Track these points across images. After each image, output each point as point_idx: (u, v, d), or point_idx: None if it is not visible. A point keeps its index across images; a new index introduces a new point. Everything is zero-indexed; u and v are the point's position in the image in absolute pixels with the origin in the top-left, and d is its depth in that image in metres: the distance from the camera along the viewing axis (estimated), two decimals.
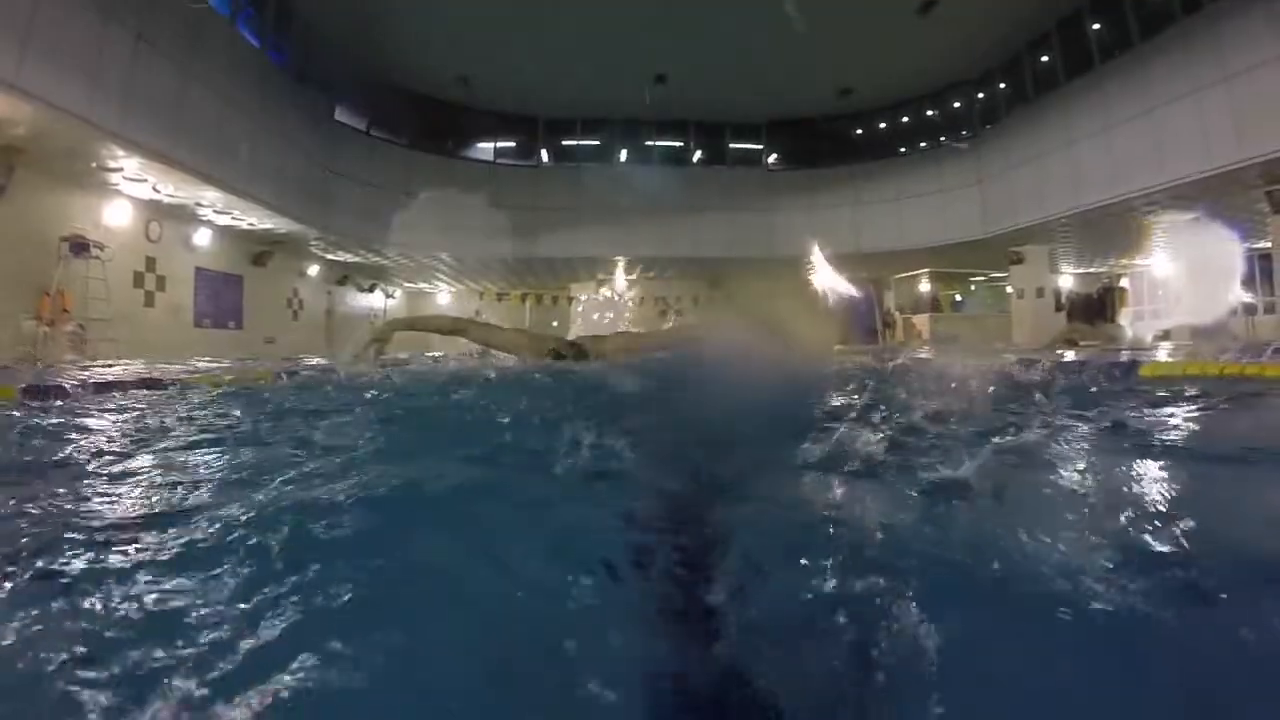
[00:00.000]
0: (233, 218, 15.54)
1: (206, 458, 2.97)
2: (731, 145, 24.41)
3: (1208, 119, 13.05)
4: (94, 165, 11.87)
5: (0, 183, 11.05)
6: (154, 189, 13.21)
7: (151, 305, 14.56)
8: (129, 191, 13.29)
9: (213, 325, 16.37)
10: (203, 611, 1.34)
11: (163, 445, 3.32)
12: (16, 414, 4.33)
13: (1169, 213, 16.05)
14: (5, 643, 1.24)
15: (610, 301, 25.74)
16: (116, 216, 13.51)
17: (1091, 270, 24.77)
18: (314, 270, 21.29)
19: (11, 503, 2.10)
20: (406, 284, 26.65)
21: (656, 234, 22.18)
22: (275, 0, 15.82)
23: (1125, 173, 14.90)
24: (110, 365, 9.57)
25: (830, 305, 26.32)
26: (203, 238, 15.99)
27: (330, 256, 20.61)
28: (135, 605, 1.38)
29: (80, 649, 1.22)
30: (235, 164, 13.74)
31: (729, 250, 22.65)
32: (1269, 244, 14.49)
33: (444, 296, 28.01)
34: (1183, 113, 13.59)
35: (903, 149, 22.64)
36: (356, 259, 20.93)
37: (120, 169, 12.07)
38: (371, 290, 25.14)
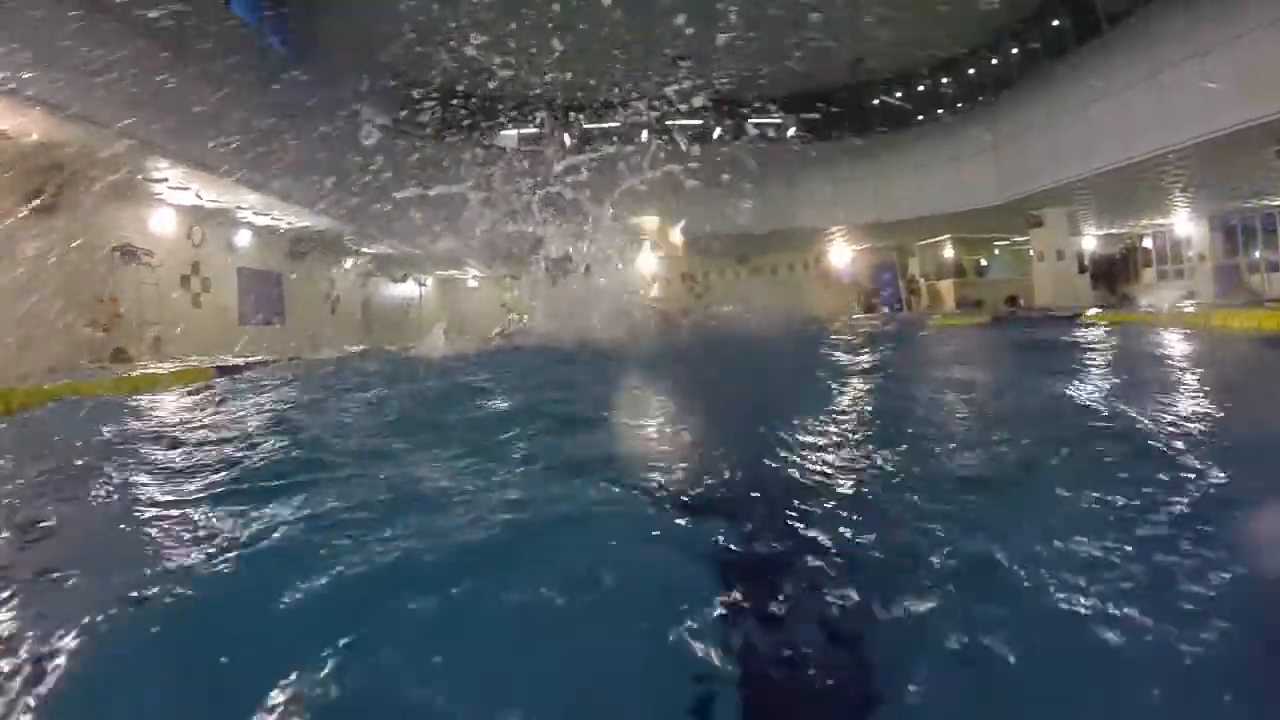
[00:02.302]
0: (271, 218, 16.32)
1: None
2: (753, 120, 24.69)
3: (1214, 81, 13.17)
4: (139, 177, 12.64)
5: (50, 200, 11.82)
6: (196, 195, 13.99)
7: (198, 306, 15.38)
8: (173, 200, 14.08)
9: (257, 322, 17.17)
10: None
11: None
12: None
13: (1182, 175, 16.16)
14: None
15: None
16: (162, 224, 14.31)
17: (1113, 231, 24.74)
18: (349, 264, 22.07)
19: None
20: (439, 271, 27.33)
21: (683, 211, 22.54)
22: (301, 8, 16.43)
23: (1136, 136, 15.01)
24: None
25: (844, 277, 26.36)
26: (243, 239, 16.80)
27: (365, 249, 21.33)
28: None
29: None
30: (273, 168, 14.42)
31: (754, 225, 22.99)
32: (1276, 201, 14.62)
33: (473, 283, 28.67)
34: (1189, 75, 13.70)
35: (920, 117, 22.79)
36: (390, 250, 21.62)
37: (165, 179, 12.85)
38: (404, 280, 25.87)
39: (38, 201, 11.61)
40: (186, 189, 13.51)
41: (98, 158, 11.37)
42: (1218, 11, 13.16)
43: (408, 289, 26.31)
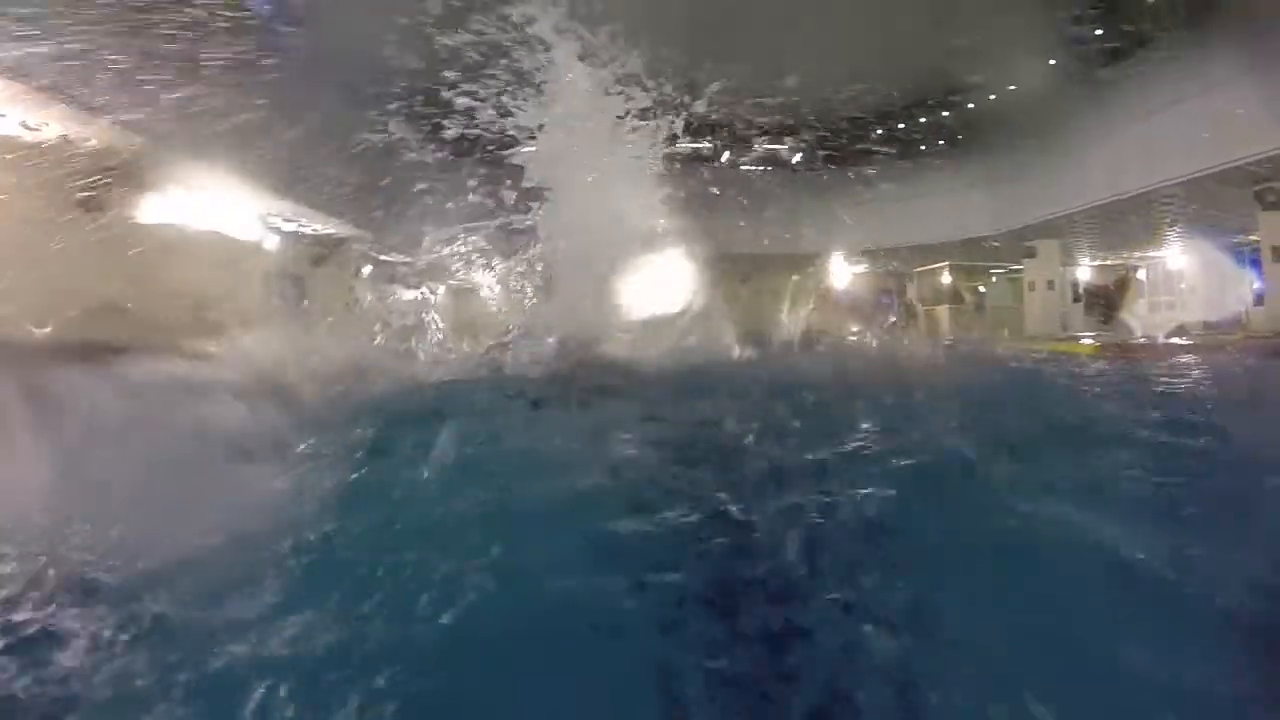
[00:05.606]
0: (298, 225, 17.03)
1: None
2: (757, 145, 25.44)
3: (1195, 126, 13.96)
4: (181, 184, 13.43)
5: (102, 200, 12.56)
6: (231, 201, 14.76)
7: None
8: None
9: None
10: None
11: None
12: None
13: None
14: None
15: None
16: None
17: (1108, 262, 25.44)
18: (367, 270, 22.73)
19: None
20: (451, 281, 27.89)
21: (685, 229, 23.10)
22: (335, 19, 17.12)
23: (1123, 173, 15.80)
24: None
25: (843, 300, 26.84)
26: (270, 243, 17.52)
27: (383, 257, 21.99)
28: None
29: None
30: (304, 178, 15.15)
31: (756, 247, 23.65)
32: (1257, 237, 15.32)
33: (486, 292, 29.22)
34: (1173, 118, 14.50)
35: (921, 147, 23.52)
36: (407, 259, 22.24)
37: (205, 188, 13.62)
38: (419, 287, 26.47)
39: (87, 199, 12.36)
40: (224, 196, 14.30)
41: (147, 165, 12.16)
42: (1196, 60, 13.94)
43: (422, 295, 26.89)
